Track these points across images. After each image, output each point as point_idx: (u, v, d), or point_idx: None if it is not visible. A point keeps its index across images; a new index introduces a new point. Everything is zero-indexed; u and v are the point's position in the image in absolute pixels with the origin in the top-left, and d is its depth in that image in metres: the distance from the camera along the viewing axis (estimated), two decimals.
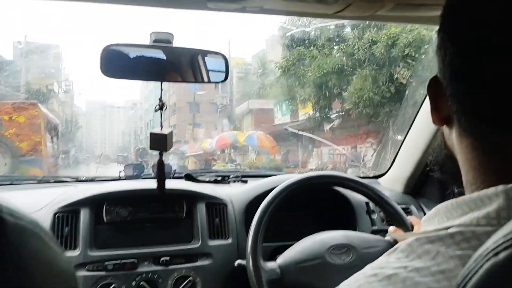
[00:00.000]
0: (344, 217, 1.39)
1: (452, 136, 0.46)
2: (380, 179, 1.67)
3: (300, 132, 11.64)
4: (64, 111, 14.90)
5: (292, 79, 11.05)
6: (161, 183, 1.05)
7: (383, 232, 1.24)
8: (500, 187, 0.37)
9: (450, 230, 0.39)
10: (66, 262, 0.38)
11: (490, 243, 0.30)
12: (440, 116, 0.46)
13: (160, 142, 1.03)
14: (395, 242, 1.12)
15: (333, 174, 1.26)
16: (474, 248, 0.33)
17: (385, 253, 0.44)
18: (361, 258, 1.07)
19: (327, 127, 11.19)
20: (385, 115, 8.59)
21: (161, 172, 1.06)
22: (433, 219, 0.44)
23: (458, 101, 0.42)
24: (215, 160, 13.65)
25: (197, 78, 1.11)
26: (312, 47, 10.41)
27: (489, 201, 0.38)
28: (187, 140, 18.89)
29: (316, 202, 1.41)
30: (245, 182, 1.53)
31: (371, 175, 1.79)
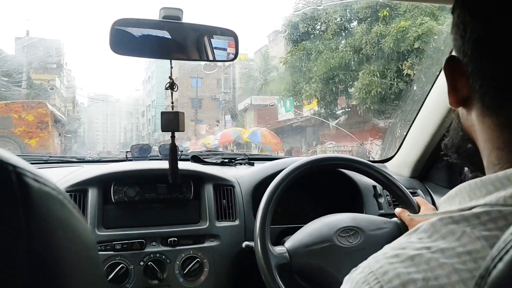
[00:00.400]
0: (351, 200, 1.40)
1: (472, 117, 0.45)
2: (387, 163, 1.67)
3: (333, 124, 11.21)
4: (66, 107, 14.93)
5: (297, 74, 11.03)
6: (174, 166, 1.06)
7: (390, 216, 1.24)
8: None
9: (475, 210, 0.38)
10: (88, 231, 0.37)
11: None
12: (458, 97, 0.45)
13: (172, 122, 1.03)
14: (403, 223, 1.13)
15: (341, 156, 1.27)
16: (501, 229, 0.33)
17: (405, 233, 0.43)
18: (369, 240, 1.08)
19: (332, 123, 11.13)
20: (393, 111, 8.56)
21: (174, 155, 1.06)
22: (454, 199, 0.43)
23: (482, 77, 0.41)
24: None
25: (205, 56, 1.11)
26: (318, 42, 10.38)
27: None
28: (189, 136, 18.94)
29: (324, 184, 1.42)
30: (252, 164, 1.54)
31: (378, 159, 1.79)
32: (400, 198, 1.18)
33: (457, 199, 0.42)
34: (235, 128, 15.22)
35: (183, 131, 1.09)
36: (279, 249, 1.09)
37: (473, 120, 0.45)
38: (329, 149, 11.70)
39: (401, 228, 1.12)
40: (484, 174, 0.43)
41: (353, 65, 9.62)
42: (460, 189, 0.43)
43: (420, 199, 1.18)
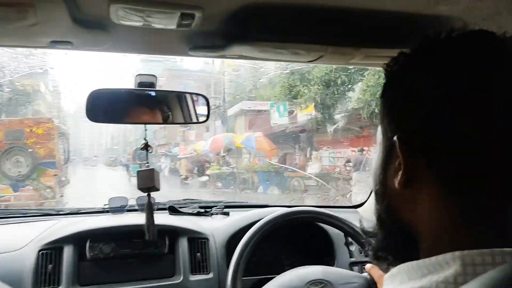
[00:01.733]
0: (324, 248, 1.47)
1: (417, 195, 0.46)
2: (359, 209, 1.74)
3: (331, 129, 10.95)
4: (51, 112, 14.82)
5: (294, 77, 10.86)
6: (151, 224, 1.16)
7: (362, 264, 1.31)
8: (457, 253, 0.41)
9: None
10: None
11: None
12: (406, 178, 0.46)
13: (148, 179, 1.10)
14: (372, 279, 1.18)
15: (308, 210, 1.33)
16: None
17: None
18: None
19: (330, 128, 10.91)
20: None
21: (150, 213, 1.17)
22: (396, 277, 0.47)
23: (438, 157, 0.44)
24: (209, 163, 13.59)
25: (179, 119, 1.19)
26: None
27: (447, 266, 0.41)
28: (178, 142, 18.87)
29: (297, 234, 1.50)
30: (227, 214, 1.61)
31: (352, 203, 1.86)
32: (354, 238, 1.26)
33: (398, 277, 0.46)
34: (226, 134, 15.11)
35: (159, 190, 1.16)
36: None
37: (417, 198, 0.46)
38: (324, 157, 11.69)
39: (370, 284, 1.18)
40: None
41: None
42: (400, 269, 0.47)
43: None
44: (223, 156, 14.13)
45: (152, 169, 1.15)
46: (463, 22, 0.80)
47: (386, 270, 0.54)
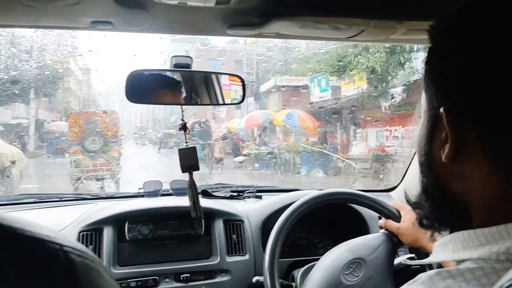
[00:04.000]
0: (358, 230, 1.48)
1: (466, 168, 0.45)
2: (392, 192, 1.74)
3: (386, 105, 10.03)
4: (82, 90, 15.31)
5: (342, 46, 10.23)
6: (196, 202, 1.22)
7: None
8: None
9: (470, 265, 0.42)
10: None
11: (505, 279, 0.34)
12: (454, 150, 0.45)
13: (189, 157, 1.14)
14: (390, 233, 1.21)
15: (340, 191, 1.34)
16: (494, 284, 0.38)
17: (406, 284, 0.46)
18: (372, 267, 1.15)
19: (384, 103, 10.00)
20: None
21: (194, 192, 1.22)
22: (448, 245, 0.47)
23: (491, 127, 0.43)
24: (244, 142, 13.05)
25: (215, 100, 1.21)
26: None
27: (508, 236, 0.41)
28: (208, 120, 18.98)
29: (331, 216, 1.52)
30: (260, 197, 1.65)
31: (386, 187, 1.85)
32: (378, 210, 1.28)
33: (451, 246, 0.46)
34: (263, 111, 14.58)
35: (199, 169, 1.21)
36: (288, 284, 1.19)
37: (466, 171, 0.46)
38: (371, 136, 10.67)
39: (392, 239, 1.20)
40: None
41: None
42: (454, 237, 0.46)
43: (396, 204, 1.27)
44: (259, 134, 13.67)
45: (194, 147, 1.20)
46: None
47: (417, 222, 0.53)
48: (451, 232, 0.49)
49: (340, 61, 10.63)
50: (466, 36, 0.45)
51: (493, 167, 0.43)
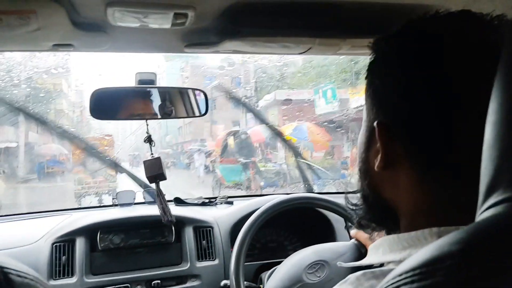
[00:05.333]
0: (324, 232, 1.58)
1: (395, 176, 0.50)
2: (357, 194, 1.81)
3: None
4: (75, 112, 15.43)
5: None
6: (165, 207, 1.29)
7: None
8: (435, 229, 0.45)
9: (391, 266, 0.48)
10: None
11: (389, 277, 0.38)
12: (387, 161, 0.50)
13: (154, 167, 1.24)
14: (360, 243, 1.27)
15: (304, 196, 1.45)
16: None
17: (338, 284, 0.50)
18: (334, 270, 1.22)
19: None
20: None
21: (162, 198, 1.30)
22: (378, 249, 0.52)
23: (415, 141, 0.48)
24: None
25: (180, 113, 1.31)
26: None
27: (425, 240, 0.45)
28: (205, 138, 19.00)
29: (299, 220, 1.62)
30: (231, 203, 1.76)
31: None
32: (337, 212, 1.38)
33: (381, 249, 0.51)
34: (265, 125, 13.98)
35: (166, 179, 1.30)
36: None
37: (395, 180, 0.51)
38: None
39: (360, 249, 1.26)
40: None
41: None
42: (382, 241, 0.51)
43: None
44: (262, 150, 13.23)
45: (158, 158, 1.29)
46: (445, 10, 0.88)
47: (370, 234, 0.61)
48: (387, 233, 0.55)
49: (346, 71, 10.66)
50: (398, 54, 0.50)
51: (418, 178, 0.48)
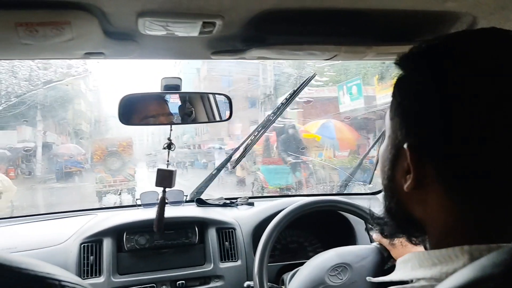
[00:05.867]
0: (345, 234, 1.60)
1: (425, 197, 0.51)
2: (379, 195, 1.87)
3: None
4: (93, 112, 15.64)
5: None
6: (160, 217, 1.30)
7: None
8: (466, 247, 0.46)
9: (422, 283, 0.48)
10: None
11: None
12: (416, 182, 0.51)
13: (166, 179, 1.27)
14: (382, 247, 1.28)
15: (326, 199, 1.47)
16: None
17: None
18: (357, 273, 1.23)
19: None
20: None
21: (162, 208, 1.32)
22: (407, 263, 0.53)
23: (448, 166, 0.48)
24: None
25: (204, 118, 1.35)
26: None
27: (456, 258, 0.46)
28: (222, 137, 18.98)
29: (320, 222, 1.64)
30: (252, 204, 1.79)
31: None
32: (357, 214, 1.40)
33: (410, 264, 0.52)
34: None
35: (172, 187, 1.31)
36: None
37: (425, 200, 0.51)
38: None
39: (382, 252, 1.28)
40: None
41: None
42: (412, 256, 0.52)
43: None
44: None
45: (172, 171, 1.30)
46: (471, 17, 0.88)
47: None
48: (410, 241, 0.57)
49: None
50: (432, 72, 0.49)
51: (448, 200, 0.49)
